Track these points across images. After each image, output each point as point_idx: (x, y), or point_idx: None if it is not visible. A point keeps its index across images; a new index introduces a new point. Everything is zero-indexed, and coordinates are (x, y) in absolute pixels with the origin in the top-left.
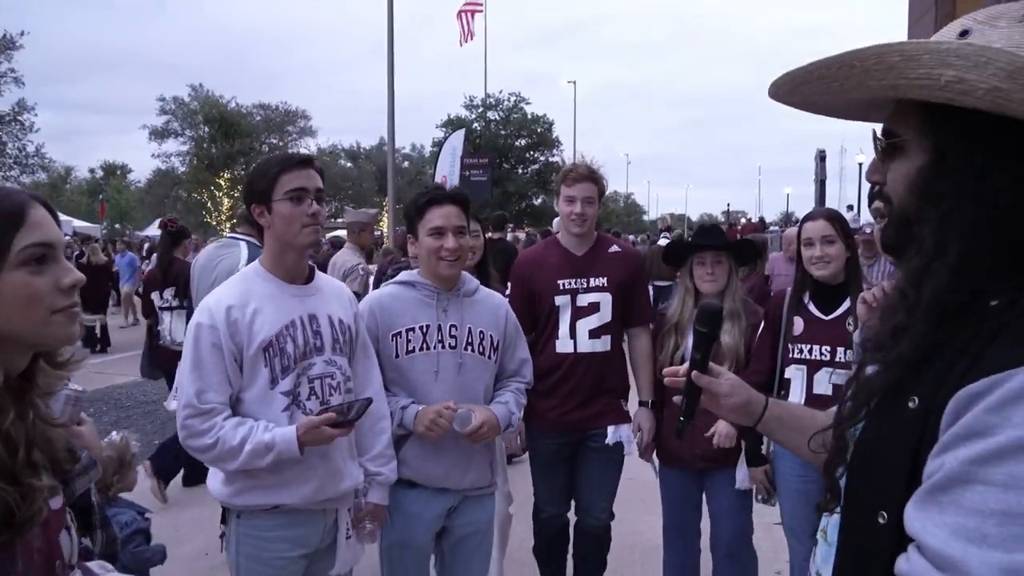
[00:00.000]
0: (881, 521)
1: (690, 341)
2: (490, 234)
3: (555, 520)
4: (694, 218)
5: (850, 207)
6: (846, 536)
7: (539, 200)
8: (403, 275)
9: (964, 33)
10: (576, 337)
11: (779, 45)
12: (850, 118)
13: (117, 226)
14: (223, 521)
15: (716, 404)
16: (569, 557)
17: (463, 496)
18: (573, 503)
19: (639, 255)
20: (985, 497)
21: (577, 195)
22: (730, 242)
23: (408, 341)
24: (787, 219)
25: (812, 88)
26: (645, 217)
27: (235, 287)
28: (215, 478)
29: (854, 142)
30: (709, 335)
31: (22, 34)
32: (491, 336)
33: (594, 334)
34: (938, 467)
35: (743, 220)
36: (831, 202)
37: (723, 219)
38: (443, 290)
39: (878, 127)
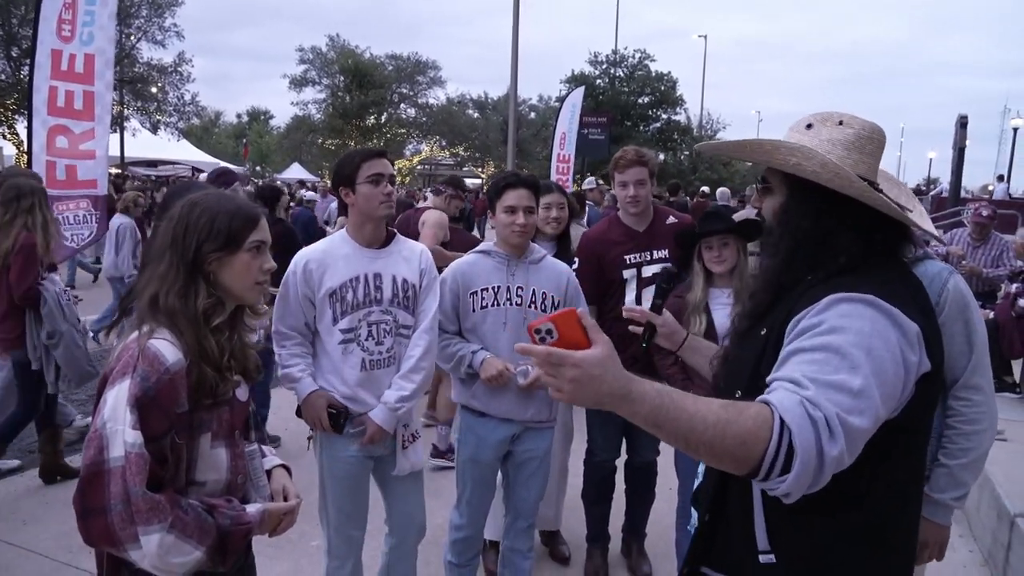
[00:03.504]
0: (737, 395)
1: (715, 316)
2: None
3: (606, 464)
4: None
5: (1000, 177)
6: None
7: (660, 159)
8: (482, 245)
9: (809, 126)
10: (641, 304)
11: None
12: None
13: (258, 168)
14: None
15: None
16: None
17: (525, 427)
18: (624, 448)
19: (692, 223)
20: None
21: (629, 179)
22: (733, 225)
23: (482, 299)
24: (928, 185)
25: (729, 153)
26: None
27: (320, 247)
28: None
29: (1021, 102)
30: (667, 290)
31: None
32: (552, 296)
33: None
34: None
35: None
36: (987, 168)
37: None
38: (513, 257)
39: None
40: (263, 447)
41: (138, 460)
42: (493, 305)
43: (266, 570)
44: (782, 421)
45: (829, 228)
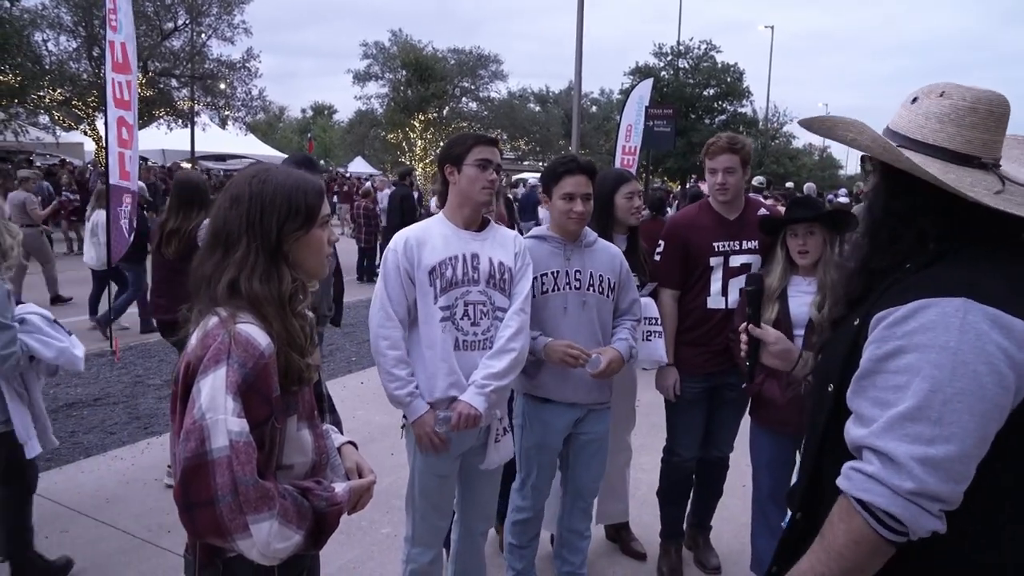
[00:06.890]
0: (829, 389)
1: (792, 304)
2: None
3: (686, 464)
4: None
5: None
6: (811, 402)
7: None
8: (535, 231)
9: (915, 100)
10: (727, 295)
11: None
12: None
13: (322, 162)
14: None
15: (764, 351)
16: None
17: (587, 410)
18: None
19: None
20: (880, 384)
21: (718, 167)
22: (821, 212)
23: (542, 284)
24: None
25: (813, 128)
26: (841, 172)
27: (420, 226)
28: None
29: None
30: (755, 292)
31: None
32: (608, 279)
33: None
34: (863, 361)
35: None
36: None
37: None
38: (568, 242)
39: None
40: (336, 429)
41: (246, 448)
42: (553, 290)
43: (337, 556)
44: (859, 501)
45: (908, 208)
